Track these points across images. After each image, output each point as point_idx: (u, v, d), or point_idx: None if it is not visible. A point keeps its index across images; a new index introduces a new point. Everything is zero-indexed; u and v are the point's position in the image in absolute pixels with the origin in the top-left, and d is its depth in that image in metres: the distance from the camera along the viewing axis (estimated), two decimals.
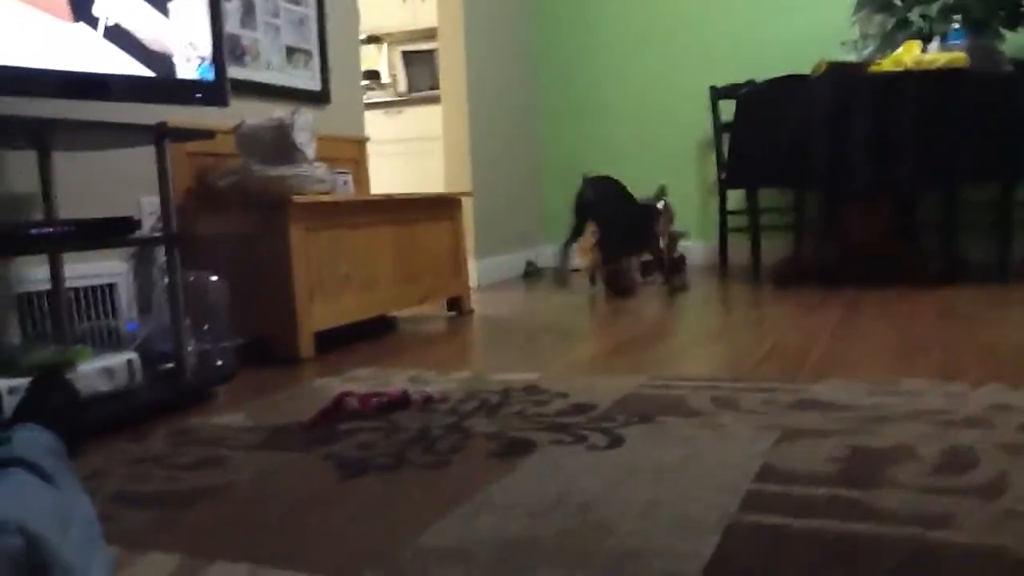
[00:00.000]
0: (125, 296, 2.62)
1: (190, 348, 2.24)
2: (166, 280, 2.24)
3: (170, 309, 2.18)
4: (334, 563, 1.10)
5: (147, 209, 2.67)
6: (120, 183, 2.60)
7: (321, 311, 2.70)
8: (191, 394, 2.12)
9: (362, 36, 4.16)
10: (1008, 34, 4.10)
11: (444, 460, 1.51)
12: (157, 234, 2.45)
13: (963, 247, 4.39)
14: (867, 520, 1.14)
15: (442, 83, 4.68)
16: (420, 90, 5.53)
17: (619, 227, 4.00)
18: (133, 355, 2.07)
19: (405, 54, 5.65)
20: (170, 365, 2.18)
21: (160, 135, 2.09)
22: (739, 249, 4.76)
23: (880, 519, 1.14)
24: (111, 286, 2.58)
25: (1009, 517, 1.13)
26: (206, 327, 2.43)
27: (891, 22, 4.20)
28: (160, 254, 2.58)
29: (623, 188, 4.09)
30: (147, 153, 2.22)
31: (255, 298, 2.58)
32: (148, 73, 2.12)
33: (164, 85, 2.17)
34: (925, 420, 1.60)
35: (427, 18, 5.07)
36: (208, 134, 2.30)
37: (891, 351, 2.33)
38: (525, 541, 1.13)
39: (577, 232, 4.02)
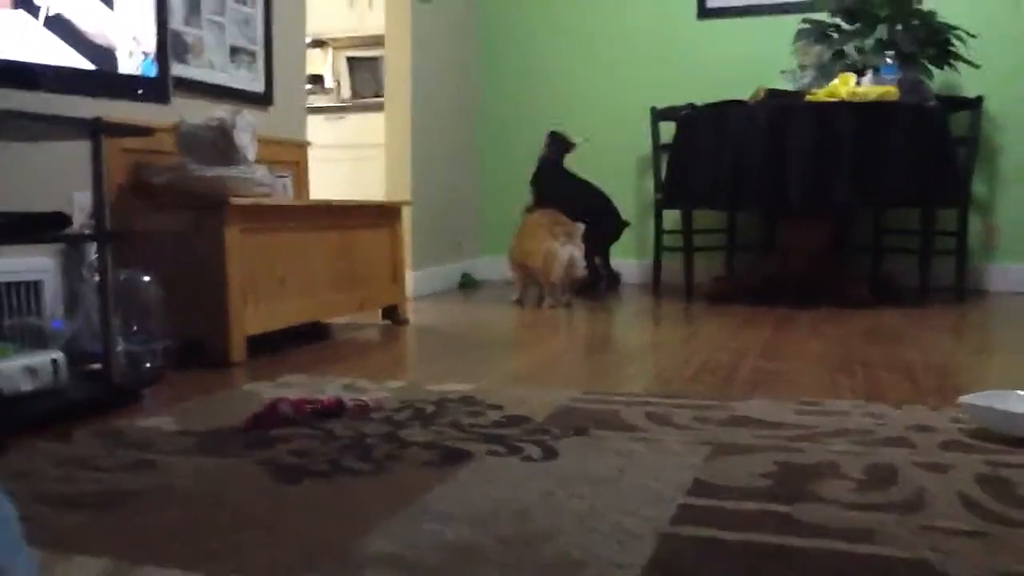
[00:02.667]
0: (51, 293, 2.55)
1: (118, 348, 2.19)
2: (95, 278, 2.20)
3: (99, 308, 2.13)
4: (270, 568, 1.09)
5: (79, 204, 2.61)
6: (52, 177, 2.54)
7: (254, 315, 2.66)
8: (118, 395, 2.07)
9: (307, 39, 4.13)
10: (935, 71, 4.26)
11: (381, 468, 1.50)
12: (88, 231, 2.40)
13: (889, 269, 4.54)
14: (795, 534, 1.18)
15: (387, 90, 4.66)
16: (363, 96, 5.51)
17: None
18: (58, 354, 2.02)
19: (350, 59, 5.62)
20: (97, 365, 2.13)
21: (96, 130, 2.05)
22: (673, 267, 4.83)
23: (807, 533, 1.18)
24: (37, 283, 2.51)
25: (928, 531, 1.17)
26: (135, 327, 2.38)
27: (828, 54, 4.33)
28: (90, 251, 2.52)
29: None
30: (81, 147, 2.17)
31: (187, 299, 2.53)
32: (88, 65, 2.07)
33: (104, 78, 2.12)
34: (849, 439, 1.65)
35: (374, 24, 5.05)
36: (146, 131, 2.27)
37: (818, 370, 2.39)
38: (465, 547, 1.14)
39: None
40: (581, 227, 3.96)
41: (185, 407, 1.99)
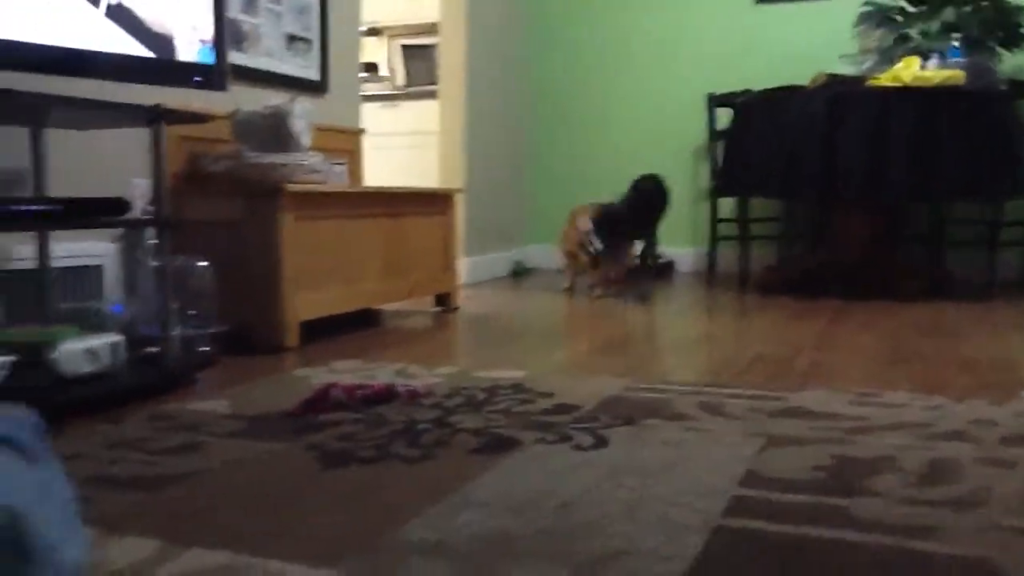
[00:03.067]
0: (111, 278, 2.60)
1: (174, 333, 2.22)
2: (153, 263, 2.23)
3: (157, 293, 2.17)
4: (313, 552, 1.09)
5: (138, 191, 2.65)
6: (112, 163, 2.58)
7: (307, 301, 2.68)
8: (174, 379, 2.11)
9: (362, 28, 4.14)
10: (1004, 54, 4.12)
11: (428, 454, 1.50)
12: (147, 216, 2.44)
13: (949, 262, 4.41)
14: (850, 528, 1.14)
15: (441, 79, 4.67)
16: (418, 84, 5.52)
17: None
18: (118, 337, 2.06)
19: (405, 47, 5.63)
20: (153, 349, 2.17)
21: (155, 117, 2.08)
22: (728, 256, 4.76)
23: (862, 527, 1.15)
24: (98, 267, 2.56)
25: (992, 529, 1.13)
26: (191, 312, 2.42)
27: (891, 37, 4.21)
28: (149, 237, 2.56)
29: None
30: (140, 134, 2.21)
31: (241, 285, 2.56)
32: (148, 53, 2.10)
33: (163, 66, 2.15)
34: (908, 432, 1.60)
35: (428, 12, 5.05)
36: (204, 118, 2.29)
37: (874, 362, 2.34)
38: (505, 537, 1.13)
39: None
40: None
41: (237, 391, 2.02)
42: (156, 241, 2.19)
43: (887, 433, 1.60)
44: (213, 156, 2.74)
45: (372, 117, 4.87)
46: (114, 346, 2.03)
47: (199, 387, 2.09)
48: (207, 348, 2.39)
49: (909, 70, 3.73)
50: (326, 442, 1.58)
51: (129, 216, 2.20)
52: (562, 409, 1.81)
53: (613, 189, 4.23)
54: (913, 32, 4.20)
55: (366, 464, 1.45)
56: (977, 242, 4.25)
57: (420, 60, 5.59)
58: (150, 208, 2.36)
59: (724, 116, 4.59)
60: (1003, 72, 4.06)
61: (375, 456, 1.49)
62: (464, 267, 4.41)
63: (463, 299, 3.79)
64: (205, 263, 2.46)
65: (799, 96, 3.89)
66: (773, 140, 3.81)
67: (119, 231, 2.61)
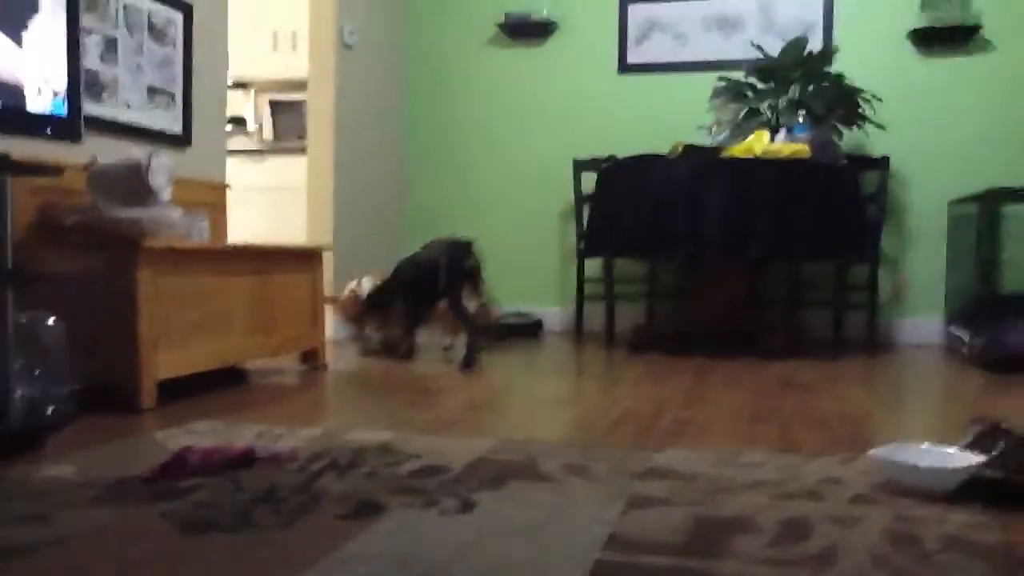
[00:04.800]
0: None
1: (18, 393, 2.09)
2: None
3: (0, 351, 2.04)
4: None
5: None
6: None
7: (167, 359, 2.58)
8: (16, 442, 1.98)
9: (229, 82, 4.08)
10: (845, 131, 4.44)
11: (291, 521, 1.46)
12: None
13: (804, 321, 4.66)
14: None
15: (309, 134, 4.64)
16: (286, 139, 5.46)
17: (410, 288, 3.87)
18: None
19: (272, 103, 5.58)
20: None
21: (2, 168, 1.98)
22: (595, 315, 4.87)
23: None
24: None
25: None
26: (38, 371, 2.28)
27: (743, 111, 4.47)
28: None
29: (434, 246, 3.87)
30: None
31: (97, 342, 2.45)
32: None
33: (11, 116, 2.06)
34: (764, 491, 1.67)
35: (297, 69, 5.03)
36: (55, 170, 2.20)
37: (736, 419, 2.43)
38: None
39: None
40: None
41: (88, 455, 1.91)
42: (1, 295, 2.07)
43: (744, 493, 1.66)
44: (67, 208, 2.63)
45: (239, 171, 4.79)
46: None
47: (48, 451, 1.97)
48: (56, 409, 2.25)
49: (760, 143, 3.96)
50: (184, 509, 1.51)
51: None
52: (429, 472, 1.79)
53: (483, 248, 4.27)
54: (763, 107, 4.47)
55: (227, 532, 1.39)
56: (826, 303, 4.52)
57: (288, 115, 5.55)
58: None
59: (589, 181, 4.73)
60: (844, 147, 4.36)
61: (236, 524, 1.44)
62: (332, 324, 4.34)
63: (331, 356, 3.73)
64: (53, 320, 2.33)
65: (662, 163, 4.06)
66: (638, 204, 3.96)
67: None
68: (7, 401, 2.00)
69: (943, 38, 4.61)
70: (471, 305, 3.87)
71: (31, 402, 2.18)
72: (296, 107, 5.43)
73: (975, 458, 1.68)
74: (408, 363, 3.66)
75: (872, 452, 1.77)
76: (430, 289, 3.77)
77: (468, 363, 3.54)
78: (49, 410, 2.23)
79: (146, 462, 1.81)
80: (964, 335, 3.94)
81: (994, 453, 1.69)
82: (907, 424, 2.51)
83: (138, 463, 1.82)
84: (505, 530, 1.42)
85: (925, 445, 1.81)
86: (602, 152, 4.88)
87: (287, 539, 1.37)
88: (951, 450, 1.76)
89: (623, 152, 4.67)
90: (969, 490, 1.62)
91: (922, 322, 4.70)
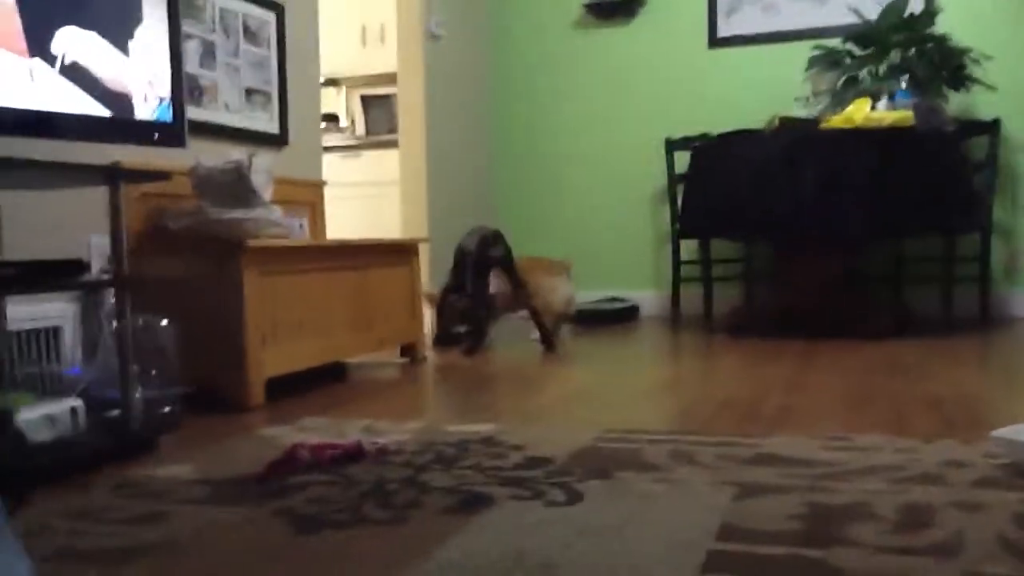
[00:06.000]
0: (70, 339, 2.55)
1: (137, 395, 2.18)
2: (114, 324, 2.19)
3: (118, 355, 2.12)
4: None
5: (97, 249, 2.61)
6: (71, 221, 2.55)
7: (273, 357, 2.65)
8: (136, 443, 2.06)
9: (321, 79, 4.15)
10: (951, 94, 4.24)
11: (401, 516, 1.47)
12: (106, 277, 2.40)
13: (909, 299, 4.48)
14: None
15: (400, 128, 4.69)
16: (378, 134, 5.53)
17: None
18: (77, 402, 2.01)
19: (364, 98, 5.66)
20: (115, 412, 2.12)
21: (113, 176, 2.05)
22: (691, 298, 4.80)
23: None
24: (56, 329, 2.51)
25: None
26: (153, 373, 2.37)
27: (841, 80, 4.32)
28: (109, 296, 2.52)
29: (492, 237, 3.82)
30: (99, 191, 2.18)
31: (205, 343, 2.52)
32: (105, 112, 2.08)
33: (121, 125, 2.13)
34: (880, 476, 1.61)
35: (387, 63, 5.08)
36: (164, 176, 2.27)
37: (842, 404, 2.35)
38: None
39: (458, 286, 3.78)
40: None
41: (202, 454, 1.98)
42: (115, 301, 2.15)
43: (859, 478, 1.60)
44: (174, 213, 2.71)
45: (333, 167, 4.87)
46: (73, 411, 1.99)
47: (163, 451, 2.05)
48: (170, 410, 2.34)
49: (861, 112, 3.82)
50: (296, 507, 1.55)
51: (87, 277, 2.17)
52: (534, 463, 1.79)
53: (576, 234, 4.26)
54: (862, 74, 4.31)
55: (339, 528, 1.42)
56: (934, 279, 4.33)
57: (379, 109, 5.62)
58: (109, 267, 2.32)
59: (682, 160, 4.65)
60: (950, 112, 4.17)
61: (347, 520, 1.46)
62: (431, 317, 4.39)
63: (429, 349, 3.77)
64: (167, 322, 2.42)
65: (756, 140, 3.96)
66: (732, 183, 3.87)
67: (78, 291, 2.56)
68: (129, 403, 2.08)
69: None
70: (511, 293, 3.84)
71: (148, 404, 2.28)
72: (387, 101, 5.49)
73: None
74: (477, 356, 3.60)
75: (995, 433, 1.69)
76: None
77: (549, 346, 3.67)
78: (164, 411, 2.33)
79: (258, 460, 1.86)
80: None
81: None
82: None
83: (250, 461, 1.87)
84: (614, 521, 1.41)
85: None
86: (695, 130, 4.79)
87: (398, 534, 1.39)
88: None
89: (717, 129, 4.57)
90: None
91: None
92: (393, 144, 4.93)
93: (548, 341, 3.71)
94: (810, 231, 3.70)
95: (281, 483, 1.70)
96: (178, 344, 2.41)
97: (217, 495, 1.64)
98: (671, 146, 4.81)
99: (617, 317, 4.81)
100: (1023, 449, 1.62)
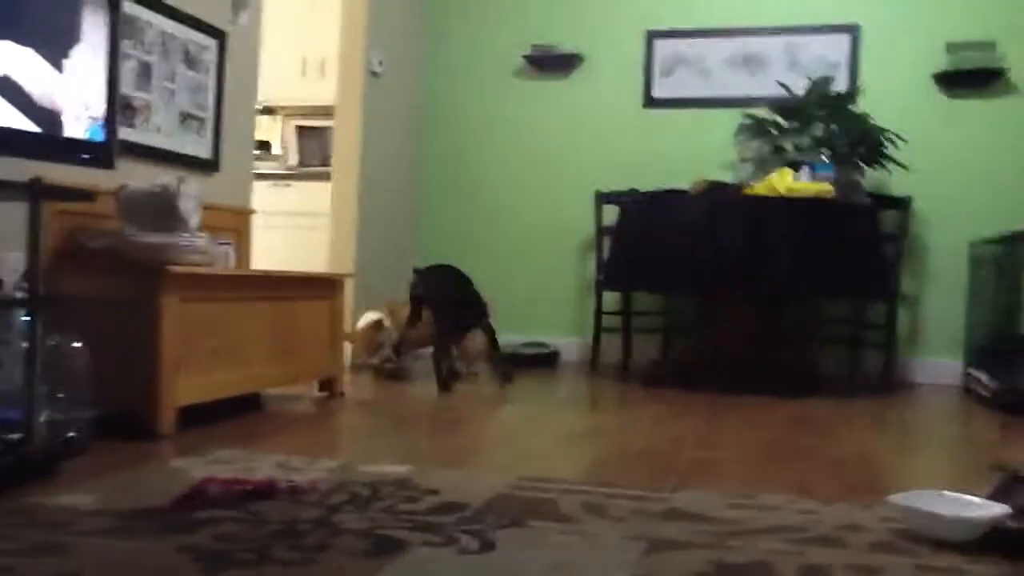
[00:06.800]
0: None
1: (42, 417, 2.10)
2: (22, 343, 2.12)
3: (25, 375, 2.06)
4: None
5: (10, 265, 2.53)
6: None
7: (187, 385, 2.60)
8: (39, 467, 1.99)
9: (257, 106, 4.13)
10: (867, 170, 4.44)
11: (310, 558, 1.46)
12: (19, 295, 2.33)
13: (819, 360, 4.63)
14: None
15: (334, 161, 4.68)
16: (311, 165, 5.51)
17: (451, 308, 3.92)
18: None
19: (299, 128, 5.64)
20: (14, 435, 2.04)
21: (35, 192, 2.00)
22: (611, 347, 4.86)
23: None
24: None
25: None
26: (60, 395, 2.30)
27: (767, 148, 4.48)
28: (19, 314, 2.44)
29: (457, 273, 3.99)
30: (14, 206, 2.12)
31: (117, 367, 2.46)
32: (33, 128, 2.04)
33: (48, 142, 2.09)
34: (782, 536, 1.66)
35: (324, 95, 5.08)
36: (87, 195, 2.23)
37: (750, 461, 2.41)
38: None
39: (413, 322, 3.92)
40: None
41: (106, 483, 1.93)
42: (27, 319, 2.09)
43: (763, 537, 1.65)
44: (94, 232, 2.66)
45: (263, 196, 4.82)
46: None
47: (65, 477, 1.98)
48: (76, 434, 2.27)
49: (783, 181, 3.96)
50: (202, 543, 1.52)
51: (0, 294, 2.11)
52: (448, 508, 1.79)
53: (501, 277, 4.30)
54: (787, 145, 4.48)
55: (246, 568, 1.40)
56: (842, 342, 4.50)
57: (313, 140, 5.61)
58: (22, 284, 2.25)
59: (610, 213, 4.74)
60: (866, 186, 4.36)
61: (255, 560, 1.44)
62: (352, 351, 4.36)
63: (349, 384, 3.74)
64: (79, 343, 2.35)
65: (684, 199, 4.07)
66: (658, 239, 3.97)
67: None
68: (32, 425, 2.01)
69: (968, 81, 4.61)
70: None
71: (52, 427, 2.20)
72: (321, 133, 5.48)
73: (998, 508, 1.67)
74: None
75: (892, 498, 1.75)
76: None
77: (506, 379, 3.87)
78: (69, 435, 2.26)
79: (164, 491, 1.82)
80: (983, 377, 3.91)
81: (1016, 504, 1.67)
82: (925, 469, 2.50)
83: (156, 492, 1.83)
84: (525, 572, 1.42)
85: (946, 492, 1.80)
86: (624, 185, 4.90)
87: None
88: (973, 499, 1.74)
89: (646, 186, 4.69)
90: (992, 541, 1.61)
91: (940, 363, 4.67)
92: (325, 176, 4.92)
93: (504, 374, 3.88)
94: (730, 289, 3.82)
95: (188, 518, 1.66)
96: (89, 367, 2.34)
97: (120, 527, 1.60)
98: (601, 199, 4.91)
99: (537, 362, 4.85)
100: (917, 516, 1.69)
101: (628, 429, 2.93)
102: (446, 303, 3.88)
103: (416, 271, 3.95)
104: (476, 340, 4.08)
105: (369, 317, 4.31)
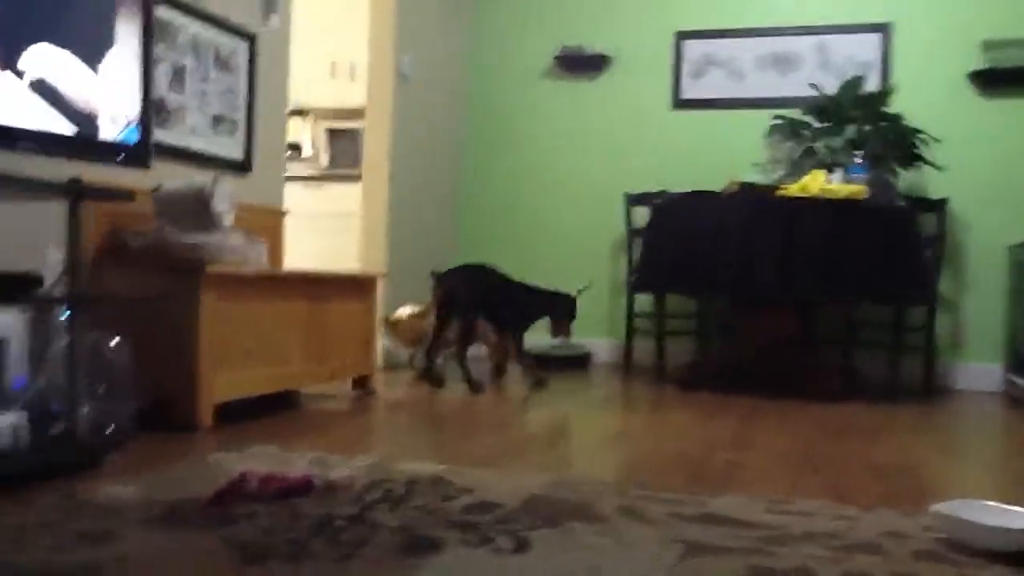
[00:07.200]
0: (17, 351, 2.49)
1: (83, 411, 2.14)
2: (65, 339, 2.15)
3: (66, 370, 2.09)
4: None
5: (53, 260, 2.57)
6: (28, 231, 2.51)
7: (224, 381, 2.62)
8: (82, 459, 2.02)
9: (288, 108, 4.16)
10: (901, 172, 4.39)
11: (348, 553, 1.47)
12: (60, 294, 2.36)
13: (858, 363, 4.58)
14: None
15: (364, 163, 4.70)
16: (342, 167, 5.54)
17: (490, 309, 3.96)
18: (19, 416, 1.97)
19: (330, 130, 5.67)
20: (61, 427, 2.08)
21: (75, 193, 2.03)
22: (644, 349, 4.85)
23: None
24: (2, 340, 2.46)
25: None
26: (102, 389, 2.33)
27: (799, 150, 4.45)
28: (62, 310, 2.47)
29: (490, 272, 3.98)
30: (59, 205, 2.15)
31: (157, 362, 2.50)
32: (71, 130, 2.07)
33: (86, 143, 2.12)
34: (821, 543, 1.64)
35: (355, 98, 5.11)
36: (127, 195, 2.25)
37: (788, 465, 2.40)
38: None
39: (441, 328, 3.87)
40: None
41: (148, 475, 1.95)
42: (69, 316, 2.12)
43: (802, 543, 1.63)
44: (134, 231, 2.69)
45: (295, 197, 4.86)
46: (15, 424, 1.94)
47: (109, 468, 2.01)
48: (118, 427, 2.29)
49: (816, 183, 3.93)
50: (243, 535, 1.53)
51: (42, 292, 2.14)
52: (483, 508, 1.80)
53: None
54: (819, 146, 4.44)
55: (285, 561, 1.41)
56: (881, 346, 4.44)
57: (345, 142, 5.63)
58: (64, 280, 2.28)
59: (640, 214, 4.73)
60: (902, 188, 4.32)
61: (294, 553, 1.45)
62: (382, 350, 4.38)
63: (382, 383, 3.75)
64: (119, 339, 2.38)
65: (716, 201, 4.05)
66: (690, 241, 3.95)
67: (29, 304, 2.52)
68: (75, 418, 2.04)
69: (1005, 79, 4.55)
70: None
71: (95, 420, 2.24)
72: (352, 135, 5.51)
73: None
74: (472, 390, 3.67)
75: (935, 507, 1.73)
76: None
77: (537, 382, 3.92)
78: (110, 428, 2.29)
79: (204, 484, 1.84)
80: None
81: None
82: (966, 477, 2.46)
83: (197, 485, 1.85)
84: (561, 573, 1.42)
85: (990, 502, 1.77)
86: (655, 187, 4.88)
87: (344, 572, 1.38)
88: (1017, 508, 1.72)
89: (676, 187, 4.67)
90: None
91: (980, 367, 4.60)
92: (356, 178, 4.94)
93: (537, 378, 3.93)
94: (764, 292, 3.79)
95: (227, 511, 1.68)
96: (131, 362, 2.37)
97: (163, 518, 1.62)
98: (631, 200, 4.89)
99: (569, 363, 4.84)
100: (961, 526, 1.66)
101: (663, 432, 2.92)
102: (474, 304, 3.88)
103: (436, 274, 3.92)
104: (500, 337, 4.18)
105: (410, 308, 4.35)
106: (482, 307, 3.92)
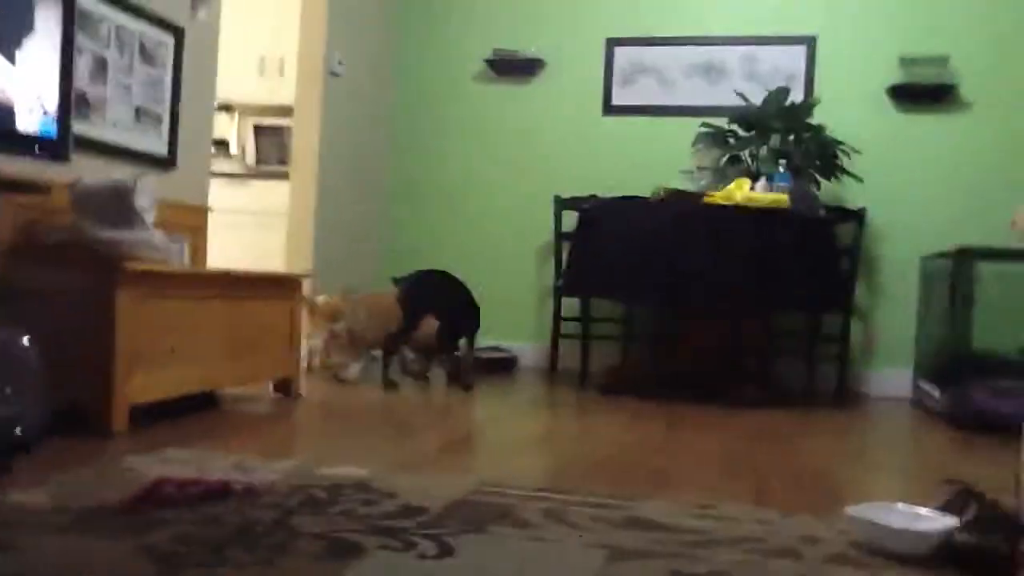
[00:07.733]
0: None
1: None
2: None
3: None
4: None
5: None
6: None
7: (141, 382, 2.55)
8: None
9: (215, 104, 4.08)
10: (823, 182, 4.50)
11: (267, 560, 1.44)
12: None
13: (777, 370, 4.68)
14: None
15: (292, 161, 4.63)
16: (269, 164, 5.45)
17: (454, 315, 4.10)
18: None
19: (257, 127, 5.57)
20: None
21: None
22: (570, 353, 4.88)
23: None
24: None
25: None
26: (10, 389, 2.24)
27: (724, 158, 4.53)
28: None
29: (450, 278, 4.18)
30: None
31: (71, 363, 2.41)
32: None
33: (1, 134, 2.04)
34: (742, 547, 1.67)
35: (283, 95, 5.03)
36: (43, 188, 2.18)
37: (709, 471, 2.43)
38: None
39: (408, 330, 4.00)
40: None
41: (59, 481, 1.88)
42: None
43: (724, 548, 1.66)
44: (50, 227, 2.60)
45: (220, 194, 4.76)
46: None
47: (16, 474, 1.93)
48: (28, 430, 2.21)
49: (741, 190, 4.01)
50: (159, 543, 1.49)
51: None
52: (407, 512, 1.78)
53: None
54: (744, 155, 4.53)
55: (203, 569, 1.37)
56: (798, 353, 4.55)
57: (272, 140, 5.54)
58: None
59: (569, 218, 4.76)
60: (821, 198, 4.43)
61: (212, 561, 1.42)
62: (309, 351, 4.31)
63: (305, 386, 3.70)
64: (30, 338, 2.29)
65: (645, 207, 4.10)
66: (617, 247, 3.98)
67: None
68: None
69: (921, 95, 4.70)
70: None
71: (2, 422, 2.15)
72: (279, 132, 5.42)
73: (949, 521, 1.70)
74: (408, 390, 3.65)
75: (848, 510, 1.78)
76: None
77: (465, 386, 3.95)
78: (19, 431, 2.20)
79: (118, 489, 1.78)
80: (933, 391, 3.98)
81: (967, 517, 1.70)
82: (878, 481, 2.54)
83: (110, 490, 1.79)
84: None
85: (900, 505, 1.82)
86: (584, 191, 4.92)
87: None
88: (925, 511, 1.77)
89: (605, 192, 4.71)
90: (944, 553, 1.64)
91: (892, 374, 4.75)
92: (283, 175, 4.87)
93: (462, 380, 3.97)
94: (691, 299, 3.84)
95: (142, 517, 1.63)
96: (43, 362, 2.28)
97: (75, 526, 1.56)
98: (560, 204, 4.92)
99: (495, 366, 4.84)
100: (874, 529, 1.71)
101: (588, 436, 2.94)
102: (451, 310, 4.07)
103: (403, 279, 4.06)
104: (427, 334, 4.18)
105: (326, 296, 4.31)
106: (443, 314, 4.04)
